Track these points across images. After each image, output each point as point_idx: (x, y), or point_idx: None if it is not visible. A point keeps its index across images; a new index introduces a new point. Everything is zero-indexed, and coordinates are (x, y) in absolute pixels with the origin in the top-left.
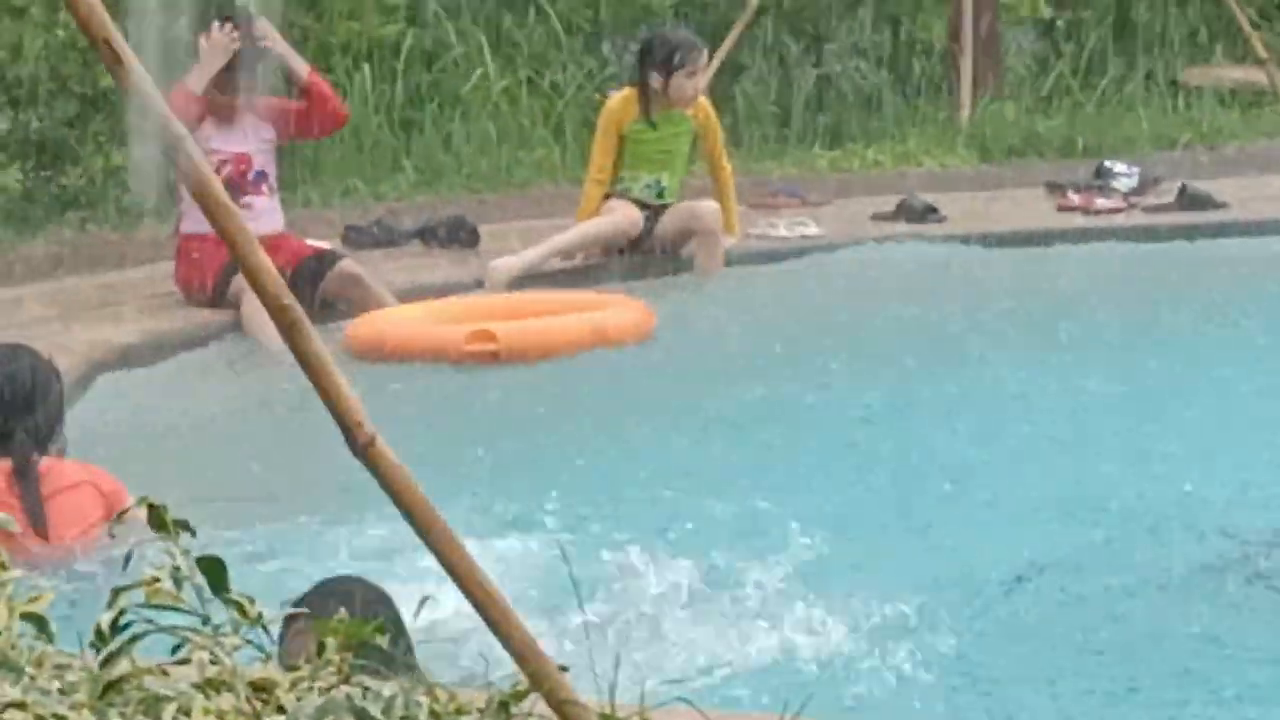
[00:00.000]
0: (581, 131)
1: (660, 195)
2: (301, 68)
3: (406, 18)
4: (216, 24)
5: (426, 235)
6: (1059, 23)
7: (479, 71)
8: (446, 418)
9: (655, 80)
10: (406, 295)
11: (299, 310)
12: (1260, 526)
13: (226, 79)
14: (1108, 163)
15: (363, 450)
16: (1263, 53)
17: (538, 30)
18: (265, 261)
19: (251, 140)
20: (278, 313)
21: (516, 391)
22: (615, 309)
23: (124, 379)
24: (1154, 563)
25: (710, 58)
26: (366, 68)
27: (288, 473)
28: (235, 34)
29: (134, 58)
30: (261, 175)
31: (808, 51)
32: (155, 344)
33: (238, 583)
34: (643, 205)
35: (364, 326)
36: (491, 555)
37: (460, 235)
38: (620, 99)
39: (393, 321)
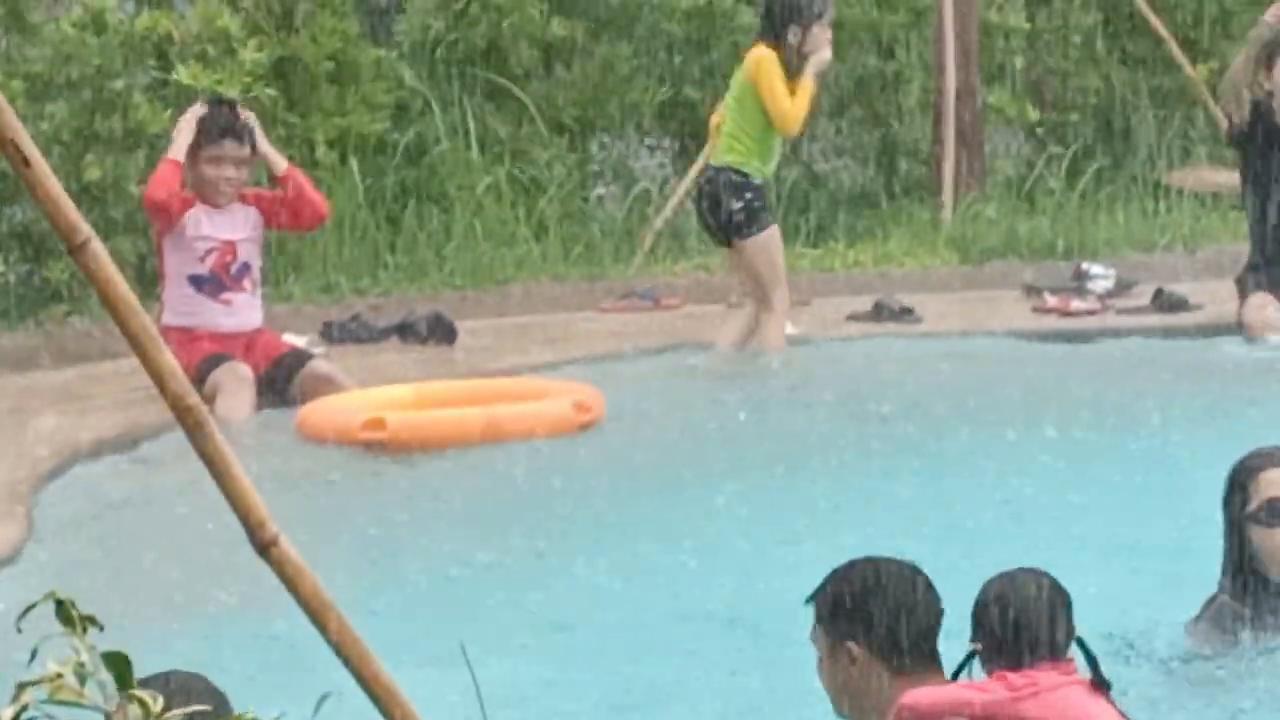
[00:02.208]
0: (564, 227)
1: None
2: (279, 162)
3: (393, 115)
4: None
5: (404, 331)
6: (1044, 125)
7: (465, 168)
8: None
9: (794, 35)
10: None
11: (203, 410)
12: None
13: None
14: (1085, 265)
15: (265, 549)
16: (1227, 145)
17: (524, 128)
18: (170, 362)
19: (240, 228)
20: (181, 413)
21: (436, 482)
22: (551, 400)
23: (98, 470)
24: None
25: (696, 155)
26: (354, 163)
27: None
28: (204, 107)
29: (40, 158)
30: (245, 268)
31: (794, 150)
32: (131, 436)
33: None
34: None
35: (305, 411)
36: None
37: (438, 331)
38: (772, 53)
39: (317, 408)
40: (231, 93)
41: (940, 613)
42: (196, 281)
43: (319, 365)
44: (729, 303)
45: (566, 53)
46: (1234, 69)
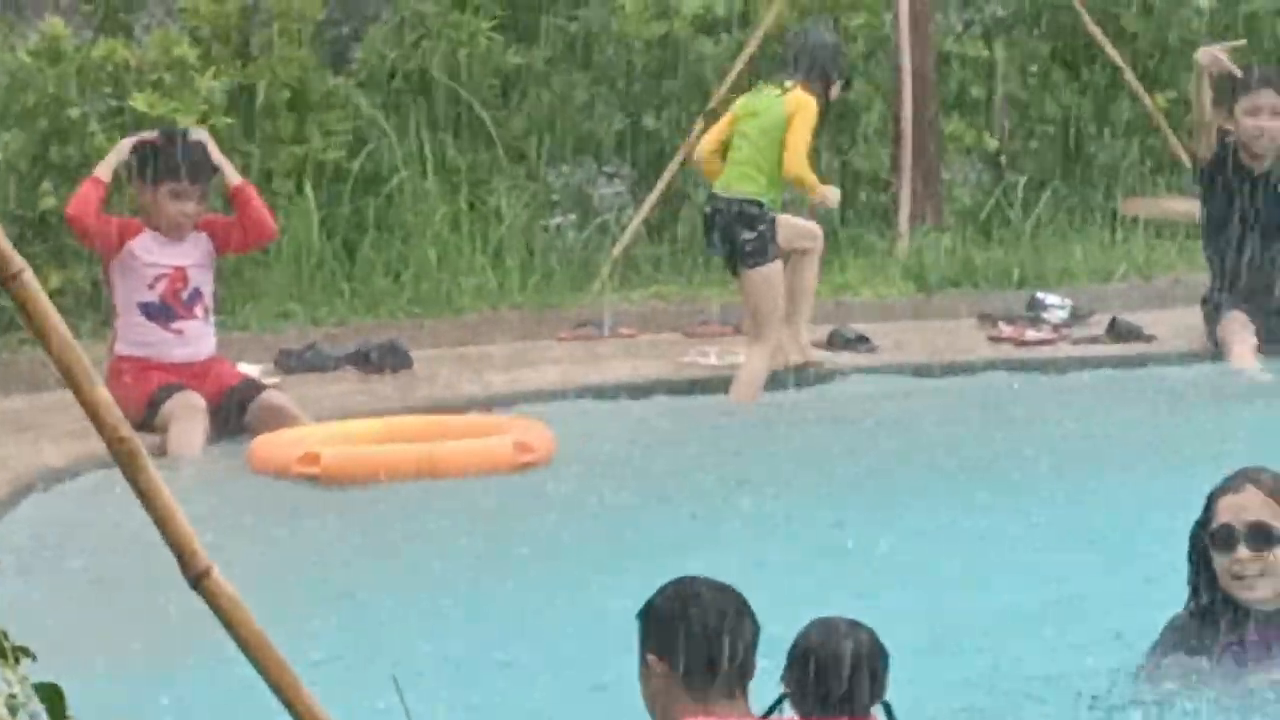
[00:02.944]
0: (521, 256)
1: None
2: (233, 175)
3: (350, 143)
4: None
5: (360, 360)
6: (1002, 153)
7: (422, 197)
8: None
9: (834, 91)
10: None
11: (136, 443)
12: None
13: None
14: (1040, 294)
15: (197, 580)
16: (1194, 182)
17: (481, 156)
18: (103, 395)
19: (191, 254)
20: (114, 444)
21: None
22: (490, 439)
23: (51, 500)
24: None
25: (654, 185)
26: (310, 191)
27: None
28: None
29: None
30: (196, 295)
31: None
32: (82, 466)
33: None
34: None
35: (254, 444)
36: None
37: (392, 360)
38: (812, 101)
39: (265, 441)
40: (189, 121)
41: (752, 643)
42: (147, 310)
43: (272, 396)
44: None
45: (524, 82)
46: (1199, 109)
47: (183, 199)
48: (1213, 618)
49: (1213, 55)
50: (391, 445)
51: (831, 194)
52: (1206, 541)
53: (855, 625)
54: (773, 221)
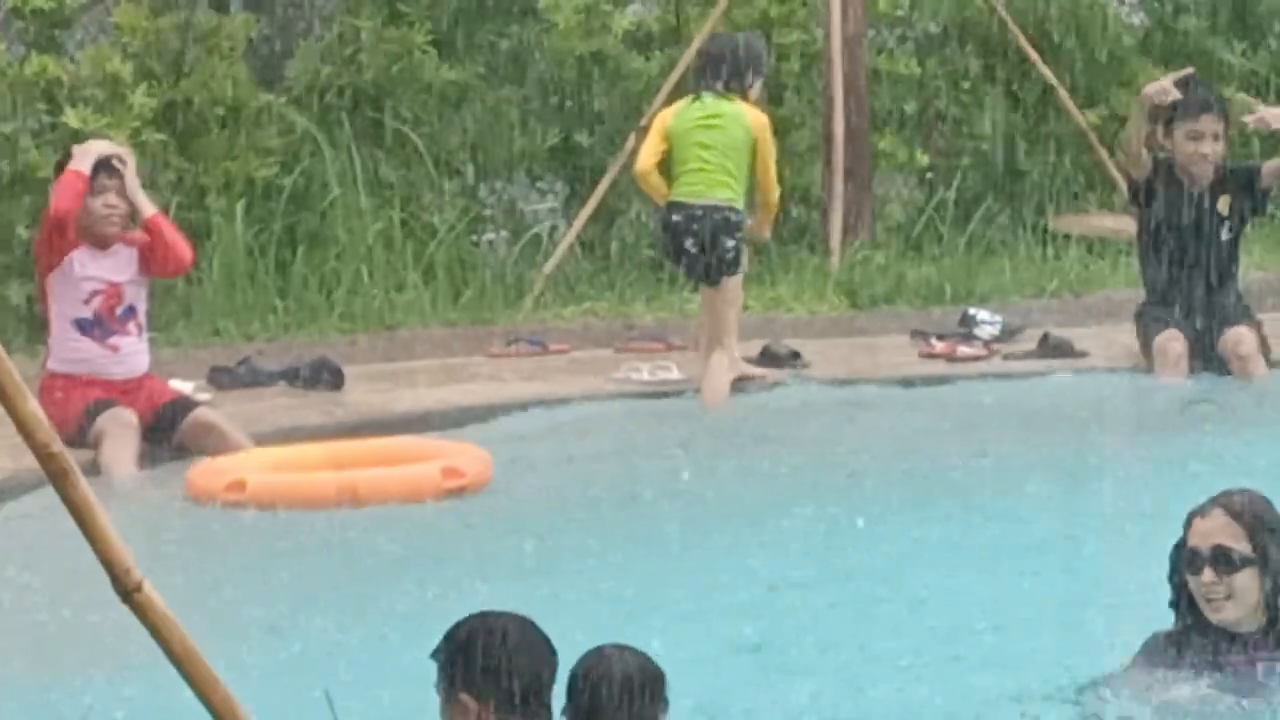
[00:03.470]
0: (453, 272)
1: None
2: (147, 207)
3: (283, 159)
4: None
5: (292, 377)
6: (934, 170)
7: (354, 212)
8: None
9: (756, 86)
10: (267, 439)
11: (68, 459)
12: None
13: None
14: (972, 310)
15: (128, 595)
16: (1129, 203)
17: (413, 172)
18: (34, 409)
19: (125, 270)
20: (45, 460)
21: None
22: (415, 466)
23: None
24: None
25: (586, 200)
26: (241, 207)
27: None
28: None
29: None
30: (130, 311)
31: None
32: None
33: None
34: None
35: (192, 471)
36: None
37: (325, 377)
38: (766, 119)
39: (202, 467)
40: (121, 136)
41: (553, 667)
42: (81, 325)
43: (204, 413)
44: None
45: (457, 98)
46: (1131, 132)
47: (104, 192)
48: (1192, 637)
49: (1161, 88)
50: (318, 473)
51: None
52: (1179, 560)
53: (628, 651)
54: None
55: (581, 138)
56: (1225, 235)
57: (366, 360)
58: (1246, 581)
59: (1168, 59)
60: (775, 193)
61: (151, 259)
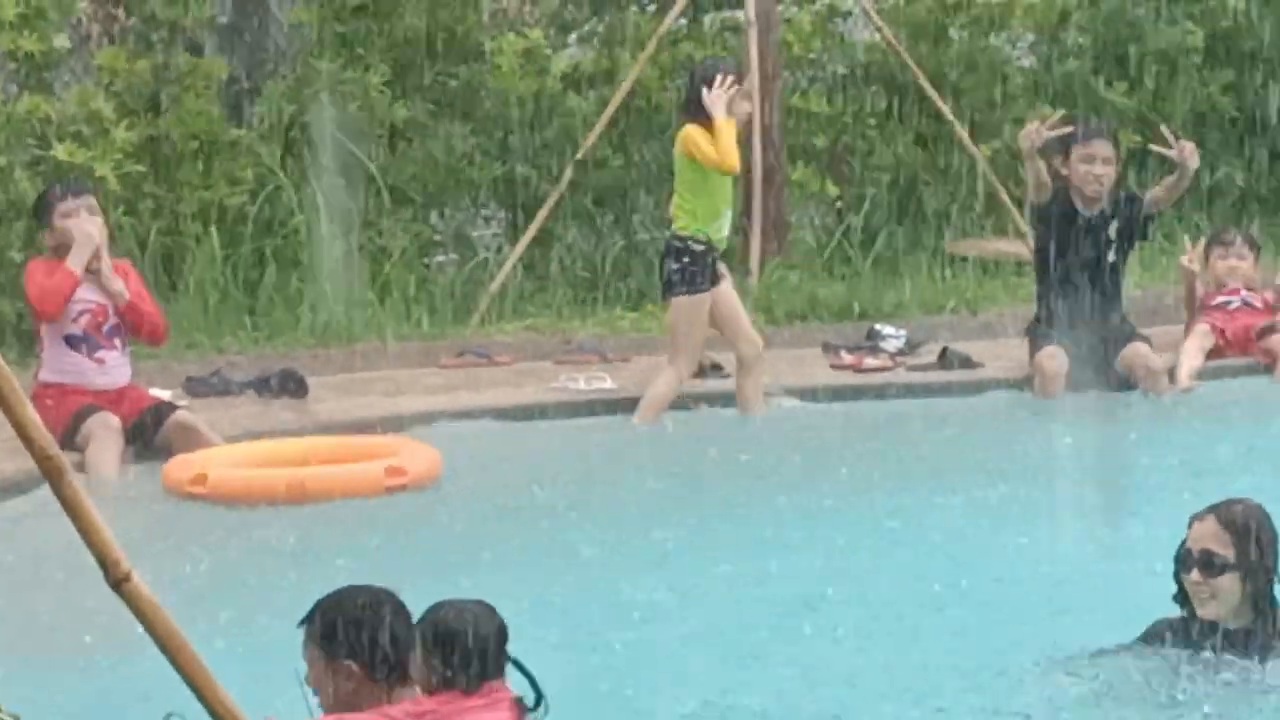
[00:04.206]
0: (407, 291)
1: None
2: (121, 293)
3: (252, 189)
4: (70, 202)
5: (260, 386)
6: (842, 199)
7: (317, 237)
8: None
9: (709, 99)
10: (238, 442)
11: (63, 461)
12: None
13: None
14: (878, 326)
15: (118, 585)
16: (1023, 226)
17: (370, 201)
18: (32, 416)
19: (106, 293)
20: (43, 463)
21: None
22: (361, 464)
23: None
24: None
25: (527, 226)
26: (215, 232)
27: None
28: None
29: None
30: (116, 328)
31: (617, 221)
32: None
33: None
34: (714, 248)
35: (167, 465)
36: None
37: (290, 386)
38: (692, 127)
39: (174, 462)
40: (105, 168)
41: (414, 637)
42: (71, 341)
43: (183, 416)
44: (706, 363)
45: (410, 132)
46: (1033, 175)
47: (73, 215)
48: (1187, 626)
49: (1031, 136)
50: (271, 469)
51: (741, 110)
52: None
53: (474, 601)
54: (699, 255)
55: (523, 169)
56: (1112, 258)
57: (328, 371)
58: (1228, 584)
59: (1054, 98)
60: (720, 162)
61: (134, 330)
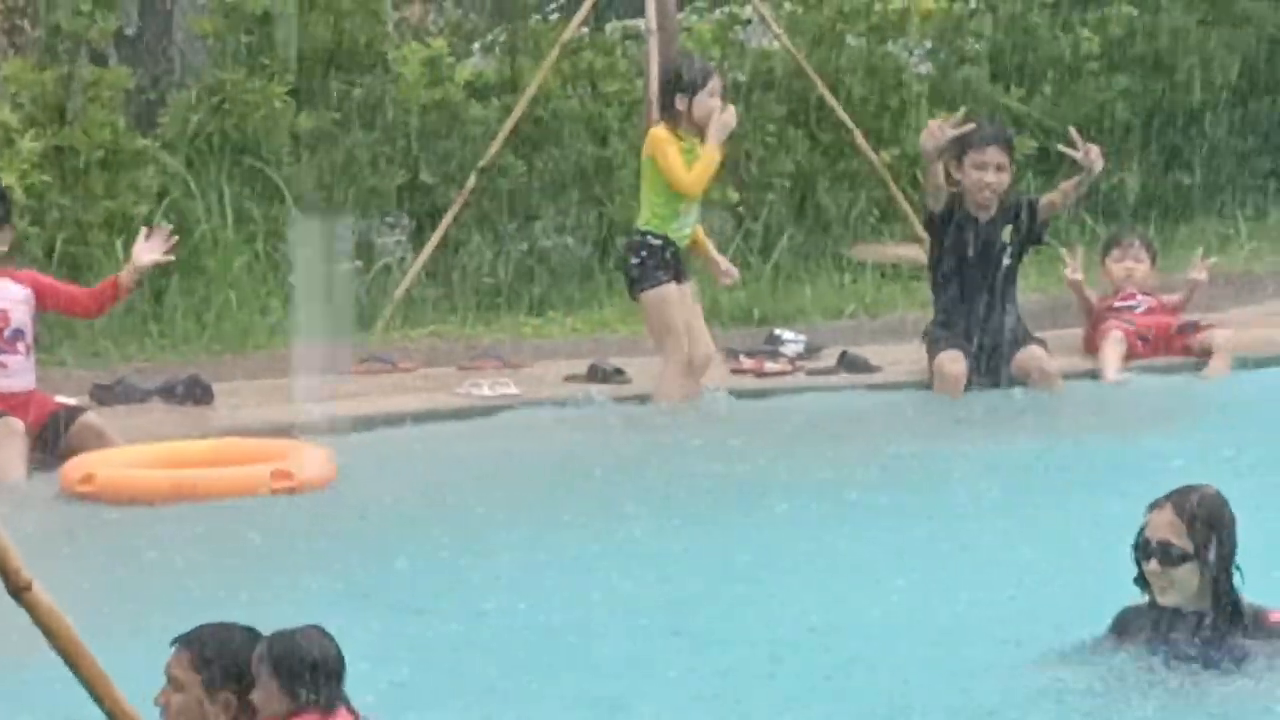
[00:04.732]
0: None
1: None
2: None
3: (158, 198)
4: None
5: (165, 393)
6: (743, 205)
7: (223, 246)
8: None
9: (680, 102)
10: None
11: None
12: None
13: None
14: (778, 331)
15: (17, 593)
16: (922, 231)
17: (276, 209)
18: None
19: (13, 297)
20: None
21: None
22: (247, 466)
23: None
24: None
25: (431, 234)
26: (121, 242)
27: None
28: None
29: None
30: (18, 333)
31: (520, 229)
32: None
33: None
34: (672, 244)
35: (65, 467)
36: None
37: (196, 393)
38: (663, 128)
39: (71, 463)
40: (10, 179)
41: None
42: None
43: (89, 419)
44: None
45: (314, 141)
46: (931, 177)
47: None
48: (1151, 613)
49: (933, 135)
50: (158, 470)
51: (724, 121)
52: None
53: (312, 628)
54: (657, 249)
55: (427, 177)
56: (1007, 262)
57: (233, 378)
58: (1185, 574)
59: (952, 104)
60: (685, 185)
61: (59, 297)
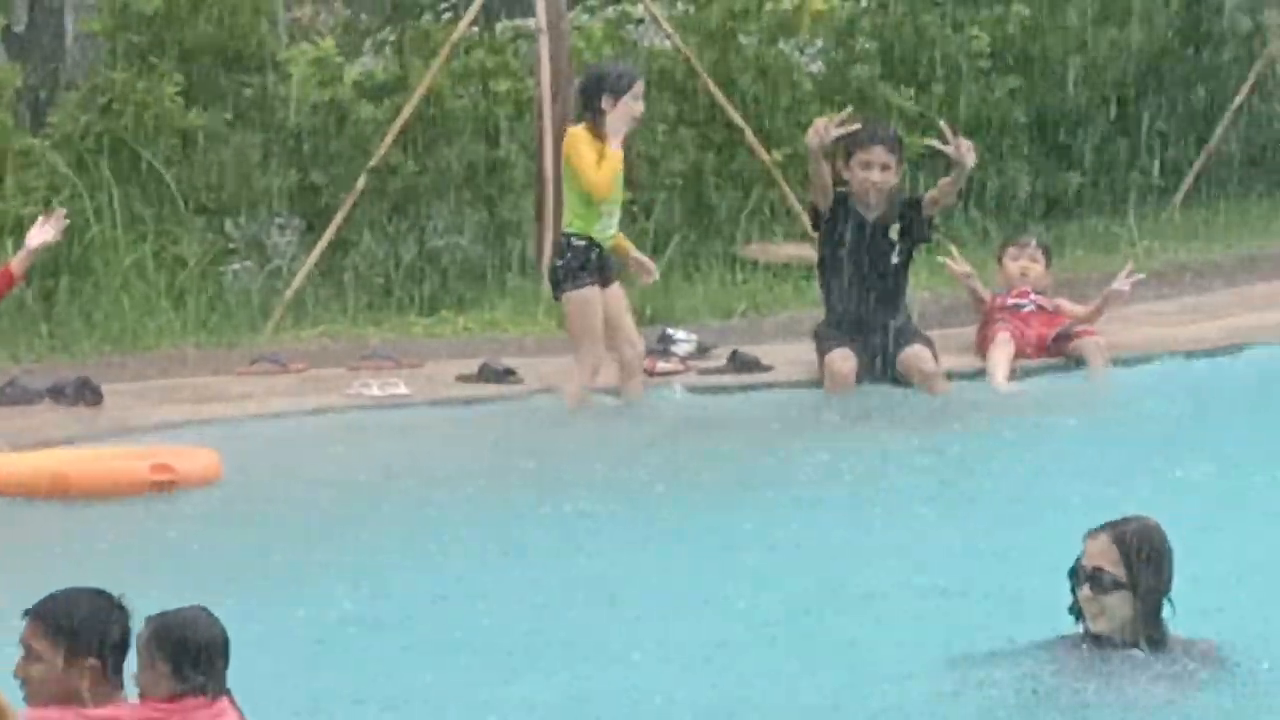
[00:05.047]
0: (202, 299)
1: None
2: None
3: (46, 198)
4: None
5: (56, 393)
6: (634, 204)
7: (112, 246)
8: None
9: (606, 102)
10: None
11: None
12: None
13: None
14: (670, 330)
15: None
16: (812, 231)
17: (166, 209)
18: None
19: None
20: None
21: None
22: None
23: None
24: None
25: (322, 234)
26: (9, 242)
27: None
28: None
29: None
30: None
31: (411, 228)
32: None
33: None
34: (596, 245)
35: None
36: None
37: (86, 394)
38: (581, 129)
39: None
40: None
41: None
42: None
43: None
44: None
45: (204, 141)
46: (816, 176)
47: None
48: (1085, 643)
49: (819, 132)
50: (35, 464)
51: (616, 122)
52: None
53: (200, 609)
54: (581, 250)
55: (317, 177)
56: (895, 260)
57: (123, 379)
58: (1117, 602)
59: (843, 103)
60: (593, 187)
61: None
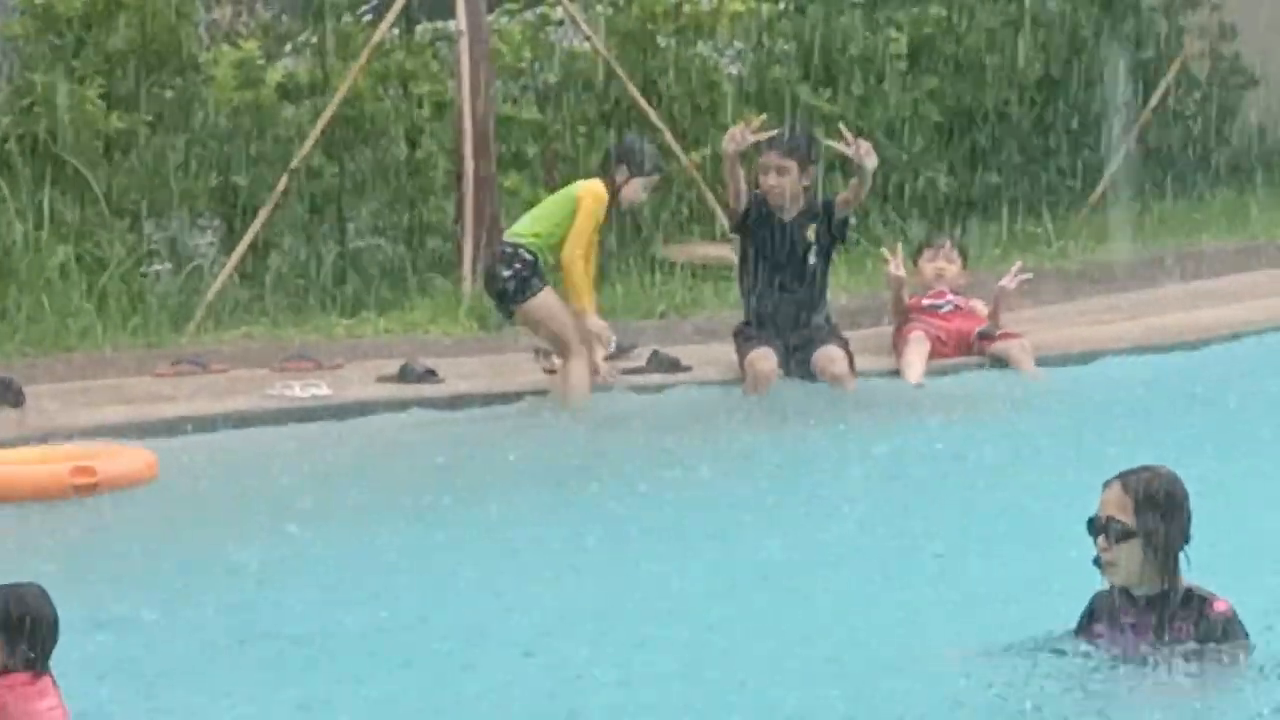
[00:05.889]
0: (123, 301)
1: None
2: None
3: None
4: None
5: None
6: None
7: (34, 248)
8: None
9: (621, 174)
10: None
11: None
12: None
13: None
14: None
15: None
16: (731, 232)
17: (87, 211)
18: None
19: None
20: None
21: None
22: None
23: None
24: None
25: (243, 235)
26: None
27: None
28: None
29: None
30: None
31: (332, 230)
32: None
33: None
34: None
35: None
36: None
37: (8, 396)
38: (604, 191)
39: None
40: None
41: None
42: None
43: None
44: (543, 366)
45: (126, 143)
46: (731, 181)
47: None
48: (1111, 596)
49: (734, 139)
50: None
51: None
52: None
53: (32, 585)
54: (530, 263)
55: (238, 179)
56: (812, 261)
57: (45, 380)
58: (1129, 551)
59: (762, 105)
60: (569, 256)
61: None
